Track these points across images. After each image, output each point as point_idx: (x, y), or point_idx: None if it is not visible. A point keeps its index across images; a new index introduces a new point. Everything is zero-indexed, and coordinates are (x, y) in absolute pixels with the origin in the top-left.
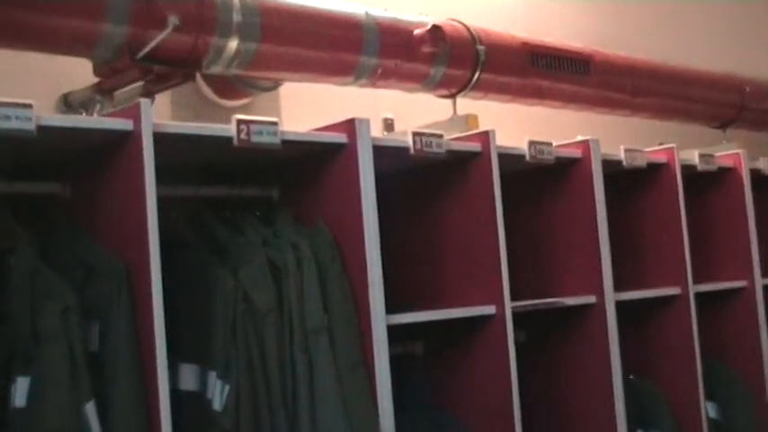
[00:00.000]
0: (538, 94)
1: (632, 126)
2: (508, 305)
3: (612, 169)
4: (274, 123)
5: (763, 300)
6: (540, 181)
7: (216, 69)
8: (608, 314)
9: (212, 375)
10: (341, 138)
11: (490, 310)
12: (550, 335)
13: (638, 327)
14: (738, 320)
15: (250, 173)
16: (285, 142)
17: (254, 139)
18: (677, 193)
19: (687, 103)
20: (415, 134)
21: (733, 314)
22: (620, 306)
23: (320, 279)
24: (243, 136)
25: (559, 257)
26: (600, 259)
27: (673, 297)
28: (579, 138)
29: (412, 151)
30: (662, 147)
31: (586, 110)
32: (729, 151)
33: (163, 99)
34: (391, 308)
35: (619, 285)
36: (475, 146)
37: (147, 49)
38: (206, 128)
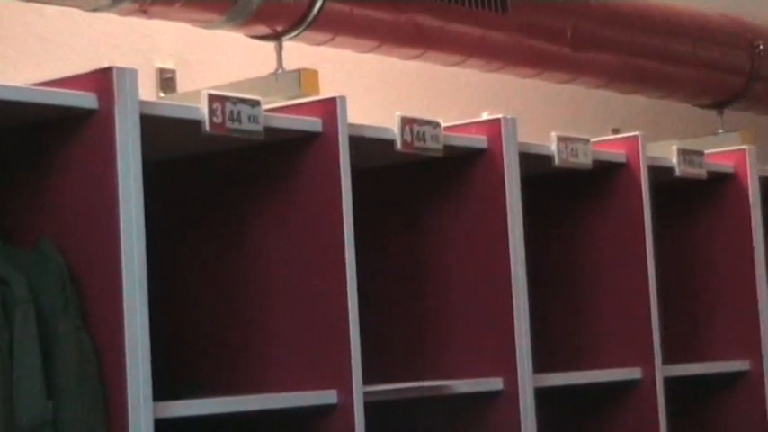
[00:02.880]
0: (419, 39)
1: (571, 100)
2: (357, 390)
3: (538, 168)
4: None
5: None
6: (422, 183)
7: None
8: (522, 407)
9: None
10: (88, 99)
11: (328, 397)
12: None
13: (582, 424)
14: (737, 418)
15: None
16: None
17: None
18: (641, 212)
19: (662, 63)
20: (213, 99)
21: (727, 410)
22: (546, 395)
23: (43, 339)
24: None
25: (453, 311)
26: (513, 328)
27: (631, 383)
28: (485, 116)
29: (207, 127)
30: (619, 136)
31: (498, 70)
32: (729, 148)
33: None
34: (167, 391)
35: (548, 363)
36: (312, 122)
37: None
38: None
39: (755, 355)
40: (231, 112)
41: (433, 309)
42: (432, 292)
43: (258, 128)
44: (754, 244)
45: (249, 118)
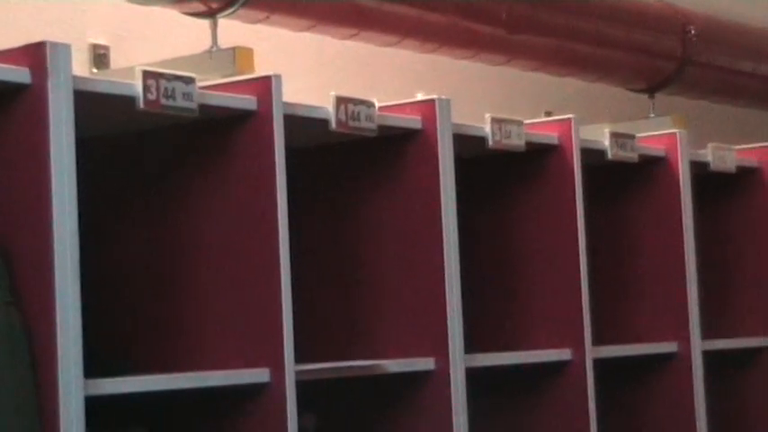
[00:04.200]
0: (355, 19)
1: (506, 82)
2: (290, 369)
3: (472, 150)
4: None
5: (702, 374)
6: (356, 164)
7: None
8: (453, 387)
9: None
10: (21, 74)
11: (261, 376)
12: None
13: (513, 404)
14: (665, 400)
15: None
16: None
17: None
18: (573, 194)
19: (596, 46)
20: (148, 75)
21: (656, 391)
22: (479, 376)
23: None
24: None
25: (385, 291)
26: (446, 309)
27: (561, 364)
28: (420, 96)
29: (142, 104)
30: (552, 119)
31: (433, 51)
32: (660, 131)
33: None
34: (99, 369)
35: (480, 344)
36: (247, 100)
37: None
38: None
39: (683, 337)
40: (166, 89)
41: (366, 289)
42: (365, 272)
43: (192, 105)
44: (684, 227)
45: (183, 95)
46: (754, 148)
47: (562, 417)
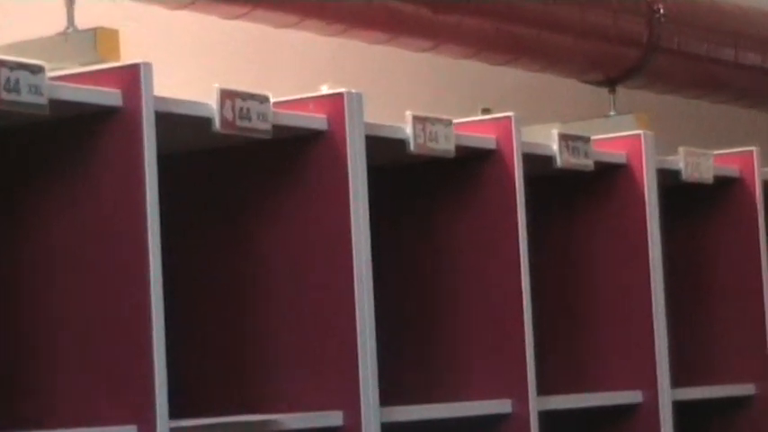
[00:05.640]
0: None
1: (433, 73)
2: (162, 425)
3: (390, 156)
4: None
5: (671, 428)
6: (247, 172)
7: None
8: None
9: None
10: None
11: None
12: None
13: None
14: None
15: None
16: None
17: None
18: (514, 209)
19: (543, 29)
20: None
21: None
22: (403, 430)
23: None
24: None
25: (284, 330)
26: (357, 350)
27: (500, 417)
28: (325, 89)
29: None
30: (488, 117)
31: (341, 34)
32: (621, 133)
33: None
34: None
35: (400, 394)
36: (110, 94)
37: None
38: None
39: (649, 384)
40: (8, 80)
41: (259, 325)
42: (258, 305)
43: (41, 100)
44: (650, 249)
45: (30, 88)
46: (734, 153)
47: None
